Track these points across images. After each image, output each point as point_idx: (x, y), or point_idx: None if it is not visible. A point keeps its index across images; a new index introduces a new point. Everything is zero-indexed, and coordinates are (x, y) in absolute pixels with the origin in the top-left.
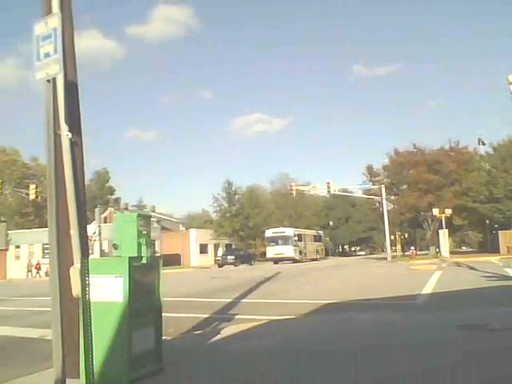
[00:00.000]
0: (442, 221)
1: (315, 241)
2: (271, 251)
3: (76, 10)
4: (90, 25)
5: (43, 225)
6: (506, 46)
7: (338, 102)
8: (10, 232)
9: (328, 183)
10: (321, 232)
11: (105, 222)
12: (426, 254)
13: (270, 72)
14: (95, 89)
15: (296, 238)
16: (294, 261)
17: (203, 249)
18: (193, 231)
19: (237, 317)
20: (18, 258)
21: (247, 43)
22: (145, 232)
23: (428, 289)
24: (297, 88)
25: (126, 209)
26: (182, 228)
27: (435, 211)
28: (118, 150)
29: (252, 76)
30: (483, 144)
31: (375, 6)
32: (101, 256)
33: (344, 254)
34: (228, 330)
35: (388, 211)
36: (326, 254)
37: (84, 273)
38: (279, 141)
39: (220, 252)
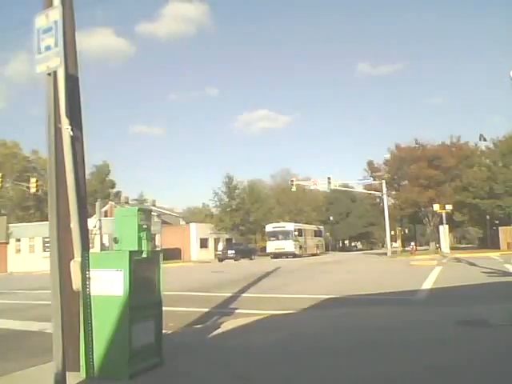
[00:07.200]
0: (442, 216)
1: (315, 236)
2: (271, 246)
3: (86, 7)
4: (100, 22)
5: (44, 218)
6: (508, 44)
7: (342, 99)
8: (10, 225)
9: (329, 178)
10: (321, 227)
11: (105, 215)
12: (426, 250)
13: (276, 70)
14: (104, 85)
15: (296, 233)
16: (294, 255)
17: (203, 243)
18: (193, 225)
19: (237, 311)
20: (18, 251)
21: (254, 41)
22: (145, 226)
23: (428, 284)
24: (301, 86)
25: (127, 203)
26: (182, 222)
27: (436, 207)
28: (121, 144)
29: (257, 74)
30: (484, 140)
31: (379, 6)
32: (101, 250)
33: (344, 249)
34: (228, 325)
35: (388, 206)
36: (327, 249)
37: (84, 266)
38: (282, 137)
39: (220, 246)
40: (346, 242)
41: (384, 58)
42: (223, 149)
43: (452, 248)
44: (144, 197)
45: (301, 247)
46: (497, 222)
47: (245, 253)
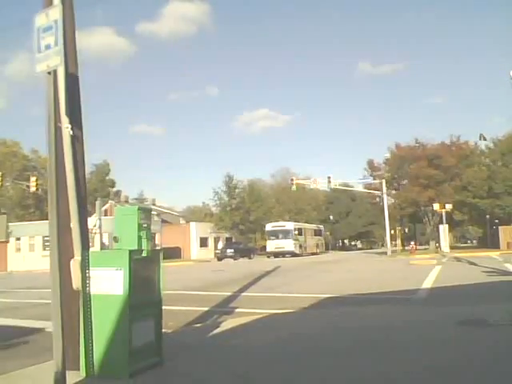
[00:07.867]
0: (442, 216)
1: (315, 235)
2: (271, 245)
3: (86, 6)
4: (100, 21)
5: (44, 217)
6: (508, 44)
7: (342, 99)
8: (10, 224)
9: (329, 177)
10: (321, 226)
11: (105, 214)
12: (426, 249)
13: (276, 70)
14: (104, 85)
15: (296, 232)
16: (294, 255)
17: (203, 242)
18: (193, 224)
19: (236, 310)
20: (18, 250)
21: (254, 41)
22: (145, 225)
23: (428, 284)
24: (301, 85)
25: (127, 202)
26: (182, 221)
27: (436, 206)
28: (121, 144)
29: (257, 74)
30: (484, 139)
31: (379, 6)
32: (101, 249)
33: (344, 248)
34: (228, 324)
35: (388, 206)
36: (326, 249)
37: (84, 265)
38: (283, 136)
39: (220, 245)
40: (346, 241)
41: (384, 57)
42: (223, 148)
43: (452, 247)
44: (144, 196)
45: (301, 246)
46: (496, 221)
47: (244, 252)
